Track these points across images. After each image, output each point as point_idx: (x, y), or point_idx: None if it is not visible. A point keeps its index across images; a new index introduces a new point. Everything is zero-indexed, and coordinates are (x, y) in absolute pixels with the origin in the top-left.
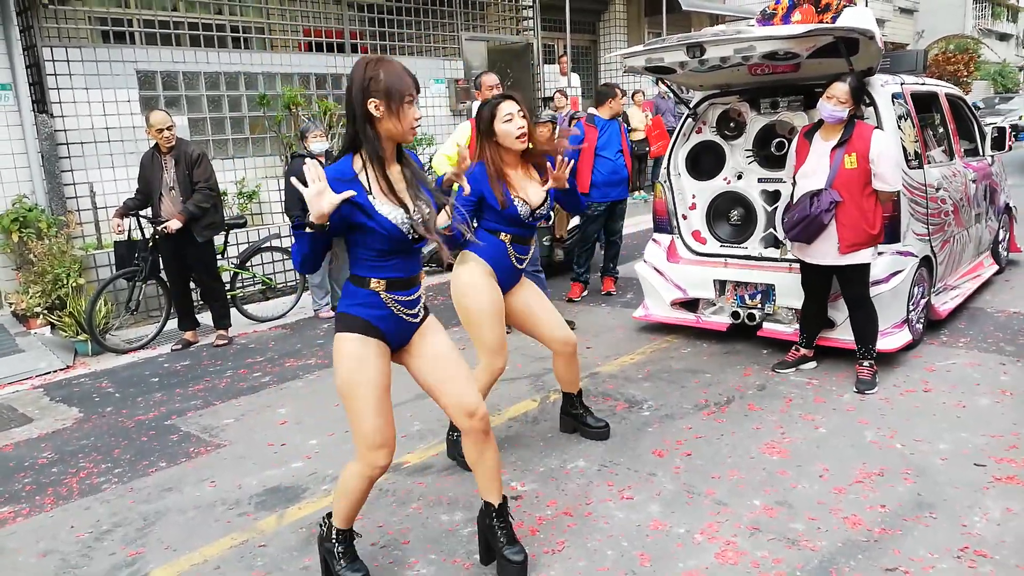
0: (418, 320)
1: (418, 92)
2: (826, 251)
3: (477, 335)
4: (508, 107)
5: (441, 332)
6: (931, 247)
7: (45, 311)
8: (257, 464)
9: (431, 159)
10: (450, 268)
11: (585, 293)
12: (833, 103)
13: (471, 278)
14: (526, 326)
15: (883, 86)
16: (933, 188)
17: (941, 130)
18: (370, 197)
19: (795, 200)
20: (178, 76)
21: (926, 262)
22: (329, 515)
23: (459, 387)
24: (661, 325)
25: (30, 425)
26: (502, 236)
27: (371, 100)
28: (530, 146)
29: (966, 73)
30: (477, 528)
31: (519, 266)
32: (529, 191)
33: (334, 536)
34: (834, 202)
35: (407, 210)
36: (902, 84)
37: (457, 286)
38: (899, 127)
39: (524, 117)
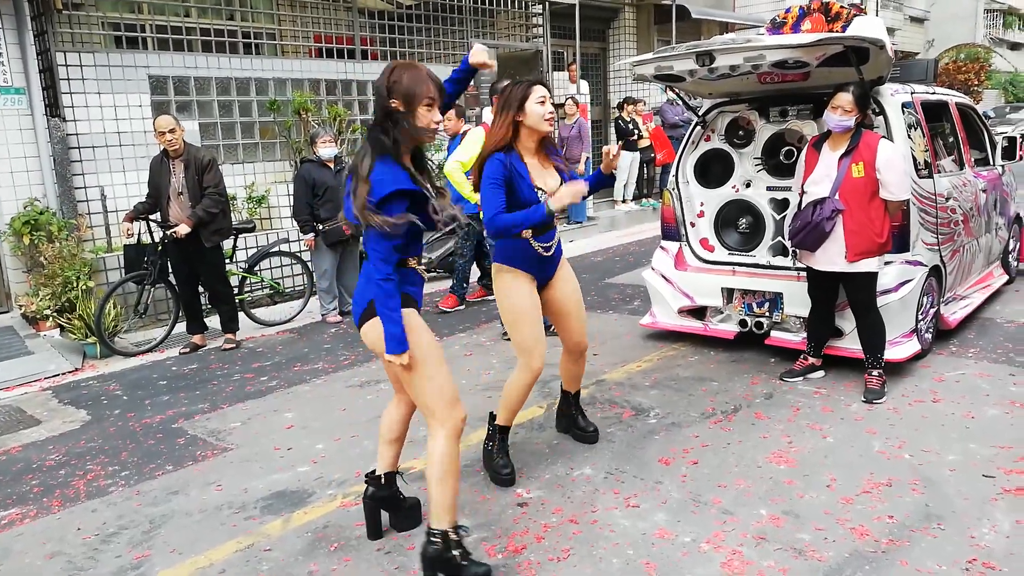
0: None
1: (442, 97)
2: (833, 258)
3: (513, 334)
4: (542, 90)
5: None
6: (941, 257)
7: (54, 313)
8: (263, 468)
9: (441, 167)
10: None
11: (461, 306)
12: (839, 113)
13: (506, 284)
14: (553, 319)
15: (893, 95)
16: (943, 197)
17: (951, 139)
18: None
19: (801, 208)
20: (189, 81)
21: (935, 272)
22: (435, 533)
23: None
24: (668, 333)
25: (38, 427)
26: (523, 234)
27: (392, 100)
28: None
29: (977, 82)
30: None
31: (546, 254)
32: (547, 180)
33: (451, 538)
34: (836, 210)
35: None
36: (912, 93)
37: (497, 292)
38: (909, 136)
39: (553, 104)
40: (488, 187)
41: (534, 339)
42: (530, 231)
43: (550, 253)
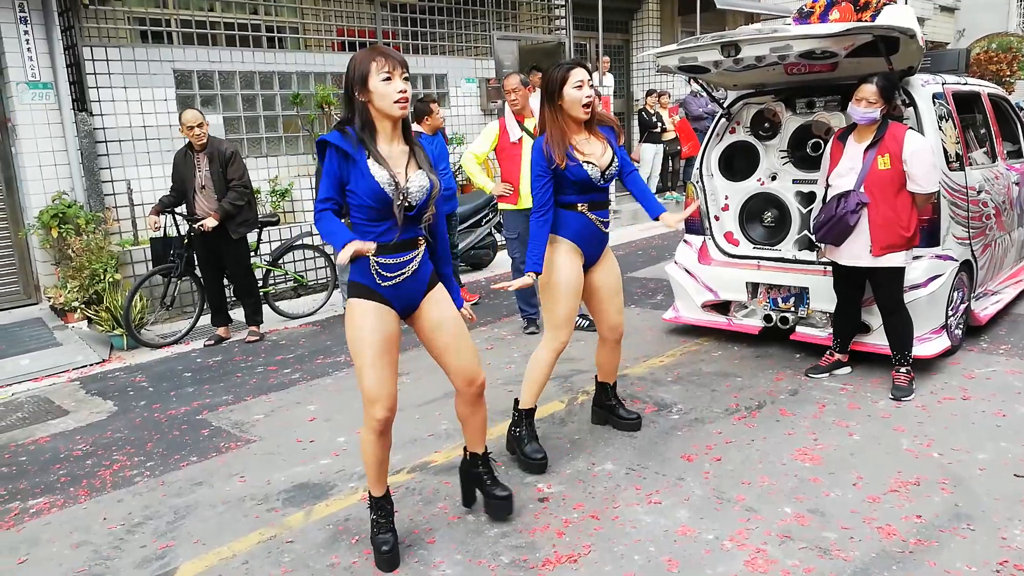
0: (411, 281)
1: (397, 69)
2: (858, 252)
3: (548, 307)
4: (580, 74)
5: (449, 302)
6: (972, 251)
7: (82, 306)
8: (286, 460)
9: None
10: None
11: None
12: (863, 105)
13: (557, 256)
14: (589, 303)
15: (924, 86)
16: (974, 191)
17: (983, 131)
18: (368, 159)
19: (825, 201)
20: (214, 75)
21: (966, 266)
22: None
23: (462, 358)
24: (691, 327)
25: (66, 417)
26: (580, 207)
27: (355, 88)
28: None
29: (1009, 72)
30: (460, 478)
31: (605, 230)
32: (597, 154)
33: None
34: (861, 203)
35: (395, 179)
36: (943, 84)
37: (546, 262)
38: (940, 128)
39: (592, 88)
40: (533, 177)
41: (567, 316)
42: (587, 205)
43: (607, 229)
